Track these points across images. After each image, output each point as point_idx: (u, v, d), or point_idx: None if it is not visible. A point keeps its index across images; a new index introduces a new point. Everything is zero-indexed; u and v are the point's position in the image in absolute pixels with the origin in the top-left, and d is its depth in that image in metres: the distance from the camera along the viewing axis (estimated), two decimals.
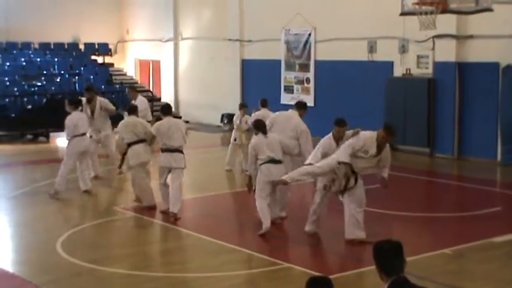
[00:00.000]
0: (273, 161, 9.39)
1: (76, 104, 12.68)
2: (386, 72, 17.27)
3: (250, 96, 20.74)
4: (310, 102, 17.72)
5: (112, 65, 26.33)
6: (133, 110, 11.35)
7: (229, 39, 22.27)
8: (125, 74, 26.47)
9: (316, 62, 19.47)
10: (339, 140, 9.19)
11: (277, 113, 10.82)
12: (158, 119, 11.72)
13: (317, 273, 6.90)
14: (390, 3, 14.85)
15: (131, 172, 11.17)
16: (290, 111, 10.65)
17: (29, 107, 21.03)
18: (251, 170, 9.72)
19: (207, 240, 9.30)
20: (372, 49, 17.79)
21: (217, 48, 22.87)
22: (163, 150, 10.45)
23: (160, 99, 25.20)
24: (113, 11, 26.97)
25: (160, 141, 10.52)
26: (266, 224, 9.27)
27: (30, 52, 24.90)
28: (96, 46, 26.43)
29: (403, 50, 16.94)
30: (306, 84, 19.84)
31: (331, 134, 9.28)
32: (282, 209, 10.12)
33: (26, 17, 24.53)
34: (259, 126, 9.70)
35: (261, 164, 9.41)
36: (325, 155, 9.06)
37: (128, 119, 11.33)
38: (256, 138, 9.61)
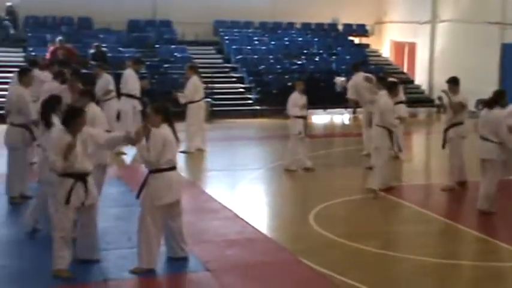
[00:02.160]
0: None
1: None
2: None
3: (509, 84, 19.48)
4: None
5: (368, 46, 26.37)
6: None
7: (489, 22, 21.09)
8: (380, 56, 26.38)
9: None
10: None
11: None
12: None
13: None
14: None
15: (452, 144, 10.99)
16: None
17: (289, 84, 21.81)
18: None
19: (456, 227, 9.02)
20: None
21: (476, 31, 21.74)
22: None
23: (413, 81, 24.76)
24: None
25: None
26: None
27: (293, 32, 25.79)
28: (354, 27, 26.61)
29: None
30: None
31: None
32: None
33: None
34: None
35: None
36: None
37: None
38: None
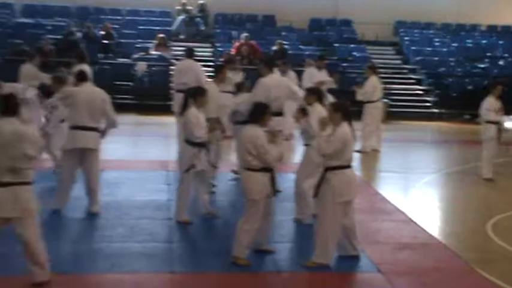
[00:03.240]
0: None
1: None
2: None
3: None
4: None
5: None
6: None
7: None
8: None
9: None
10: None
11: None
12: None
13: None
14: None
15: None
16: None
17: (470, 87, 20.99)
18: None
19: None
20: None
21: None
22: None
23: None
24: None
25: None
26: None
27: (477, 34, 24.73)
28: None
29: None
30: None
31: None
32: None
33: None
34: None
35: None
36: None
37: None
38: None
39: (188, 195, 8.33)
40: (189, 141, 8.16)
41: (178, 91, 12.32)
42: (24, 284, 6.14)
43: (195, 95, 8.23)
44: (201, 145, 8.18)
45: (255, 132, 6.81)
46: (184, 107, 8.19)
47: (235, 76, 11.25)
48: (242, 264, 6.90)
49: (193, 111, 8.09)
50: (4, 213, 5.94)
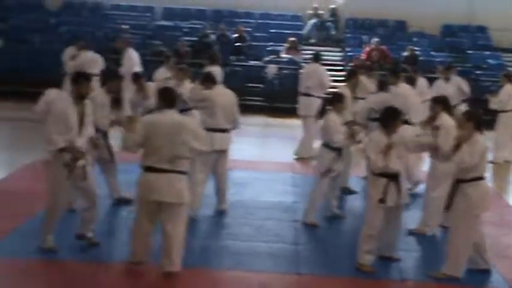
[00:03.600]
0: None
1: None
2: None
3: None
4: None
5: None
6: None
7: None
8: None
9: None
10: None
11: None
12: None
13: None
14: None
15: None
16: None
17: None
18: None
19: None
20: None
21: None
22: None
23: None
24: None
25: None
26: None
27: None
28: None
29: None
30: None
31: None
32: None
33: None
34: None
35: None
36: None
37: None
38: None
39: (321, 198, 8.35)
40: (328, 146, 8.19)
41: (304, 94, 12.38)
42: (156, 273, 6.39)
43: (334, 101, 8.27)
44: (339, 150, 8.20)
45: (379, 138, 6.76)
46: (323, 111, 8.25)
47: (368, 82, 11.09)
48: (366, 271, 6.82)
49: (332, 117, 8.16)
50: (159, 197, 6.28)
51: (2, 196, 8.93)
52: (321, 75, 12.20)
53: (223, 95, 8.60)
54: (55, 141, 6.56)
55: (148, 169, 6.32)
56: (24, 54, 18.75)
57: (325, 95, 11.17)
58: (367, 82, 10.96)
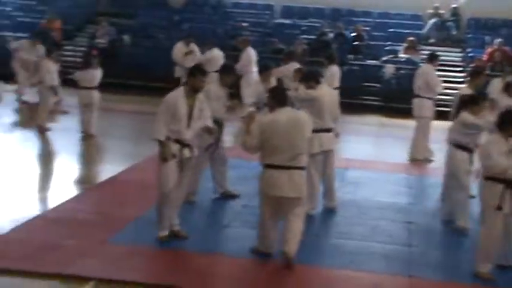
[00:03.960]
0: None
1: None
2: None
3: None
4: None
5: None
6: None
7: None
8: None
9: None
10: None
11: None
12: None
13: None
14: None
15: None
16: None
17: None
18: None
19: None
20: None
21: None
22: None
23: None
24: None
25: None
26: None
27: None
28: None
29: None
30: None
31: None
32: None
33: None
34: None
35: None
36: None
37: None
38: None
39: (469, 203, 8.08)
40: (460, 146, 7.96)
41: (416, 96, 12.08)
42: (269, 268, 6.43)
43: (469, 102, 7.98)
44: (471, 150, 7.97)
45: (499, 141, 6.49)
46: (458, 112, 8.01)
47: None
48: (485, 278, 6.57)
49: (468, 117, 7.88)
50: (281, 192, 6.45)
51: (124, 186, 9.31)
52: (428, 77, 11.83)
53: (329, 95, 8.54)
54: (158, 131, 6.73)
55: (270, 166, 6.49)
56: (149, 51, 19.48)
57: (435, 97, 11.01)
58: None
